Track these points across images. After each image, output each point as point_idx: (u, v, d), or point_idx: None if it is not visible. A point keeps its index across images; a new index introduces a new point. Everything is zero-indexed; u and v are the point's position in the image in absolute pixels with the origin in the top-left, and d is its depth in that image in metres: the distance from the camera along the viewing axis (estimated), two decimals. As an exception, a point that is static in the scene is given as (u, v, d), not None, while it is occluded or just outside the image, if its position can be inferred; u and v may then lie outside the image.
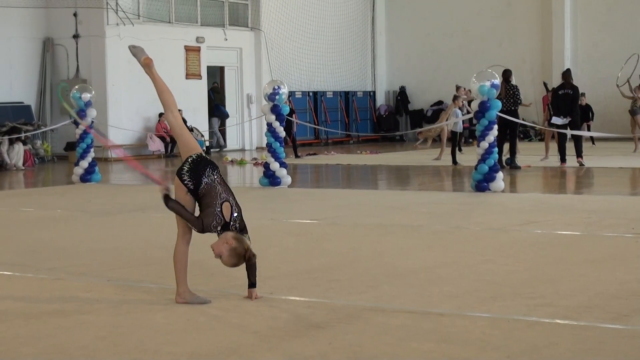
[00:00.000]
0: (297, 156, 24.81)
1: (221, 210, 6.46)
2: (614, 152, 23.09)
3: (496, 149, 14.66)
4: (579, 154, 18.95)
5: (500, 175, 14.46)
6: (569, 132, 18.92)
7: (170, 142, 27.11)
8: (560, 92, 19.14)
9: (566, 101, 18.90)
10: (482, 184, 14.36)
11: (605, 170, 18.26)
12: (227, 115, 29.58)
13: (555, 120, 18.76)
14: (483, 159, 14.40)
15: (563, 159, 18.99)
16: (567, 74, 19.50)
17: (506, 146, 19.02)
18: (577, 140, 19.17)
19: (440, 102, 33.13)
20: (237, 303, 6.56)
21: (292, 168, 18.89)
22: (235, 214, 6.51)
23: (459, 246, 9.09)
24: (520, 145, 22.90)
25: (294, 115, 24.56)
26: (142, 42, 26.21)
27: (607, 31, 30.98)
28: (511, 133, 19.01)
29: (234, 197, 6.59)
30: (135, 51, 7.13)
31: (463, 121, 22.01)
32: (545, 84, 24.74)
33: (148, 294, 6.97)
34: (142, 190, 16.99)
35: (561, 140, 19.15)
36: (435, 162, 21.60)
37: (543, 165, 19.87)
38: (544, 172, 18.65)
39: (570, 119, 18.84)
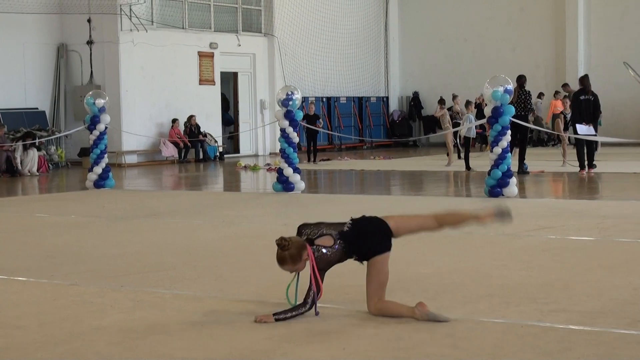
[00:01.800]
0: (314, 161, 24.92)
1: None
2: (628, 158, 23.01)
3: (509, 155, 14.64)
4: (590, 163, 18.56)
5: (513, 180, 14.44)
6: (589, 137, 18.65)
7: (183, 147, 27.17)
8: (581, 98, 18.73)
9: (588, 107, 18.54)
10: (496, 190, 14.34)
11: (619, 175, 18.20)
12: (231, 122, 29.80)
13: (580, 129, 18.48)
14: (496, 164, 14.38)
15: (582, 166, 18.67)
16: (586, 80, 19.00)
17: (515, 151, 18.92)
18: (591, 148, 18.80)
19: (450, 108, 33.07)
20: (251, 309, 6.58)
21: (305, 174, 18.91)
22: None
23: (472, 251, 9.09)
24: (534, 151, 22.85)
25: (318, 122, 24.80)
26: (156, 48, 26.41)
27: (621, 36, 30.91)
28: (521, 138, 18.93)
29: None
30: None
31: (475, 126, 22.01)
32: (627, 65, 24.32)
33: (162, 300, 6.99)
34: (155, 196, 17.04)
35: (580, 148, 18.84)
36: (447, 167, 21.58)
37: (556, 170, 19.82)
38: (558, 177, 18.61)
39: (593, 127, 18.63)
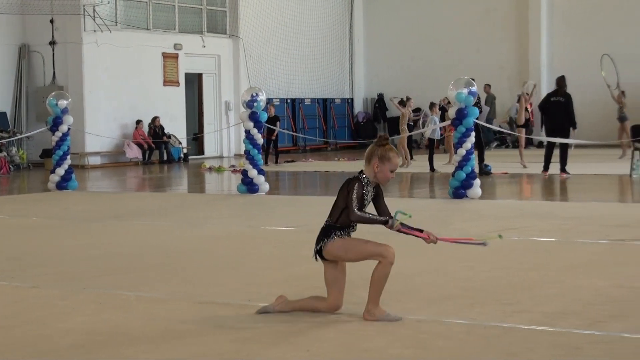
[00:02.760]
0: (275, 162, 24.92)
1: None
2: (590, 159, 23.22)
3: (473, 156, 14.72)
4: (562, 167, 18.41)
5: (477, 182, 14.53)
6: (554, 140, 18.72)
7: (147, 149, 27.06)
8: (552, 99, 18.72)
9: (558, 109, 18.48)
10: (460, 191, 14.42)
11: (581, 177, 18.35)
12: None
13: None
14: (460, 166, 14.46)
15: (546, 168, 18.64)
16: (562, 81, 18.85)
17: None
18: (564, 151, 18.60)
19: (418, 109, 33.19)
20: (216, 311, 6.57)
21: (270, 175, 18.90)
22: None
23: (436, 253, 9.12)
24: (496, 152, 22.99)
25: (277, 124, 24.69)
26: (120, 48, 26.26)
27: (583, 38, 31.18)
28: (477, 140, 18.90)
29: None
30: None
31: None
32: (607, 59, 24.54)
33: (126, 302, 6.95)
34: (119, 197, 16.97)
35: (548, 149, 18.87)
36: (406, 169, 21.62)
37: (520, 172, 19.96)
38: (521, 179, 18.74)
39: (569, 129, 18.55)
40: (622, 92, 25.12)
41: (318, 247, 6.30)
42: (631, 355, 5.17)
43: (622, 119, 24.50)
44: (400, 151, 22.22)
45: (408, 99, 24.17)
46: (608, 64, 25.91)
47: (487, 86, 30.17)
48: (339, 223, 6.22)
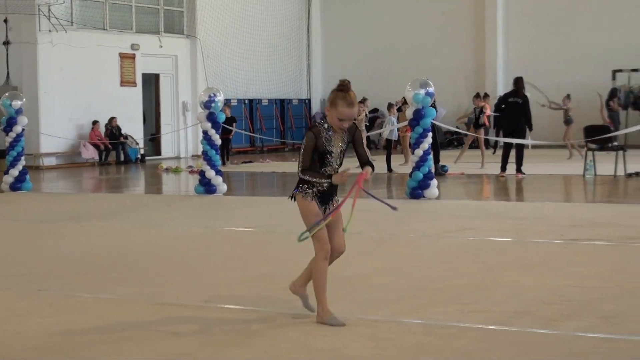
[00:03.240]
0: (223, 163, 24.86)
1: None
2: (543, 160, 23.44)
3: (431, 157, 14.79)
4: (518, 167, 18.54)
5: (434, 182, 14.60)
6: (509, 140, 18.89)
7: (104, 150, 26.86)
8: (510, 100, 18.82)
9: (516, 110, 18.56)
10: (417, 191, 14.48)
11: (535, 177, 18.51)
12: None
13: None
14: (417, 166, 14.53)
15: (503, 168, 18.74)
16: (520, 82, 18.93)
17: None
18: (520, 152, 18.69)
19: (376, 110, 33.34)
20: (173, 312, 6.54)
21: (227, 176, 18.85)
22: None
23: (394, 253, 9.17)
24: (453, 153, 23.11)
25: (233, 124, 24.70)
26: (76, 49, 26.05)
27: (539, 40, 31.47)
28: (433, 141, 18.96)
29: None
30: None
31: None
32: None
33: (83, 304, 6.90)
34: (75, 198, 16.83)
35: (506, 150, 18.91)
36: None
37: (477, 172, 20.09)
38: (477, 179, 18.86)
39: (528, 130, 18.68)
40: (567, 96, 25.42)
41: (292, 194, 6.21)
42: (585, 354, 5.23)
43: (567, 121, 24.76)
44: None
45: (364, 99, 24.21)
46: (532, 90, 26.32)
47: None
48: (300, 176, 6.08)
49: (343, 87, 5.94)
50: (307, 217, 6.05)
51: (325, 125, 5.98)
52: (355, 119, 6.02)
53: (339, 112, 5.88)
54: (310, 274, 6.13)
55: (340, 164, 6.08)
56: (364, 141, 6.37)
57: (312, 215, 6.03)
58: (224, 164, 24.01)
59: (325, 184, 6.01)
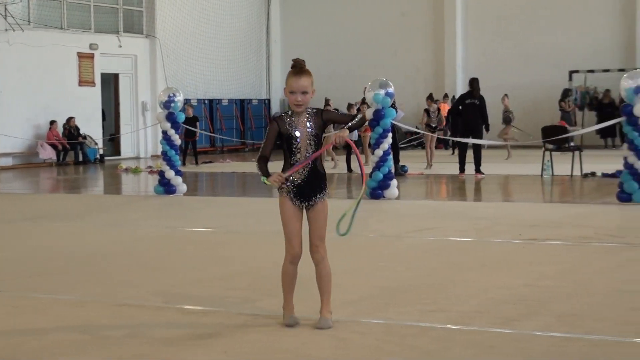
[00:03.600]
0: (195, 164, 24.81)
1: None
2: (502, 160, 23.58)
3: (391, 157, 14.83)
4: (477, 167, 18.63)
5: (394, 182, 14.65)
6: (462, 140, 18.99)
7: (62, 150, 26.64)
8: (467, 102, 18.91)
9: (473, 111, 18.67)
10: (377, 192, 14.52)
11: (494, 177, 18.62)
12: None
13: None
14: (377, 166, 14.57)
15: (462, 169, 18.85)
16: (475, 83, 19.03)
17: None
18: (478, 152, 18.77)
19: (335, 110, 33.40)
20: (132, 313, 6.51)
21: (187, 176, 18.77)
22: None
23: (354, 253, 9.18)
24: (412, 153, 23.20)
25: (197, 124, 24.67)
26: (33, 48, 25.80)
27: (497, 41, 31.71)
28: (392, 141, 19.00)
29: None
30: None
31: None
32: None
33: (41, 305, 6.85)
34: (32, 199, 16.69)
35: (462, 150, 19.04)
36: (333, 169, 21.72)
37: (437, 172, 20.19)
38: (437, 179, 18.95)
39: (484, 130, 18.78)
40: (506, 95, 25.68)
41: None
42: (542, 353, 5.27)
43: (506, 120, 24.95)
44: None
45: (327, 100, 24.31)
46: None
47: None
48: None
49: (293, 65, 5.87)
50: (281, 215, 5.96)
51: (289, 112, 5.89)
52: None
53: (289, 85, 5.80)
54: (283, 290, 6.02)
55: (315, 151, 5.85)
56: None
57: (284, 213, 5.92)
58: (183, 164, 24.00)
59: (299, 180, 5.87)
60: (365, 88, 15.10)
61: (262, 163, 5.86)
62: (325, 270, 5.99)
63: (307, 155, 5.83)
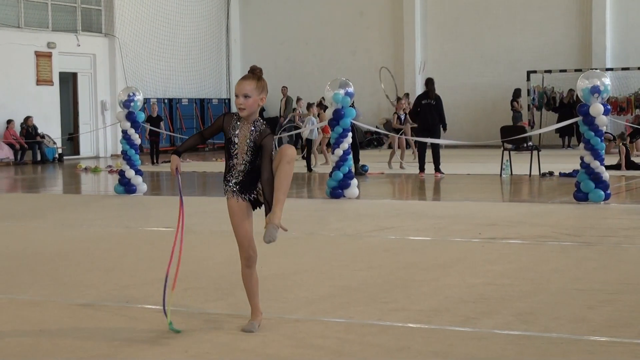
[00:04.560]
0: (157, 163, 24.80)
1: None
2: (462, 159, 23.73)
3: (351, 156, 14.85)
4: (437, 167, 18.73)
5: (354, 182, 14.67)
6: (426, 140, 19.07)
7: (20, 149, 26.39)
8: (423, 102, 18.98)
9: (430, 111, 18.72)
10: (337, 191, 14.54)
11: (454, 177, 18.72)
12: None
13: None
14: (337, 166, 14.58)
15: (422, 168, 18.92)
16: (430, 84, 19.13)
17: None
18: (437, 152, 18.86)
19: (293, 110, 33.37)
20: (92, 313, 6.46)
21: (147, 176, 18.67)
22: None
23: (314, 252, 9.18)
24: (372, 153, 23.26)
25: (161, 124, 24.74)
26: (-9, 46, 25.48)
27: (455, 41, 31.88)
28: (352, 141, 19.04)
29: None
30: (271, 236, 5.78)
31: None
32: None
33: (-2, 306, 6.78)
34: (5, 198, 16.52)
35: (421, 150, 19.13)
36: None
37: (397, 172, 20.25)
38: (397, 179, 19.01)
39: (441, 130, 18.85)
40: (406, 95, 25.83)
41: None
42: (501, 351, 5.30)
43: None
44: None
45: (299, 99, 24.40)
46: (386, 76, 26.73)
47: (285, 88, 30.53)
48: None
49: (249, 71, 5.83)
50: (230, 218, 5.91)
51: (239, 115, 5.84)
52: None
53: (236, 89, 5.77)
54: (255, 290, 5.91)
55: (250, 162, 5.75)
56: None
57: (232, 216, 5.87)
58: (154, 163, 24.02)
59: (239, 177, 5.79)
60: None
61: (190, 138, 6.05)
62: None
63: (244, 162, 5.76)
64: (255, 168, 5.78)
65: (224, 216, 6.38)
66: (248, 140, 5.76)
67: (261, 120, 5.83)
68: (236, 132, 5.80)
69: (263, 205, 5.83)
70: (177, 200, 6.14)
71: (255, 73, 5.79)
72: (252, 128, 5.77)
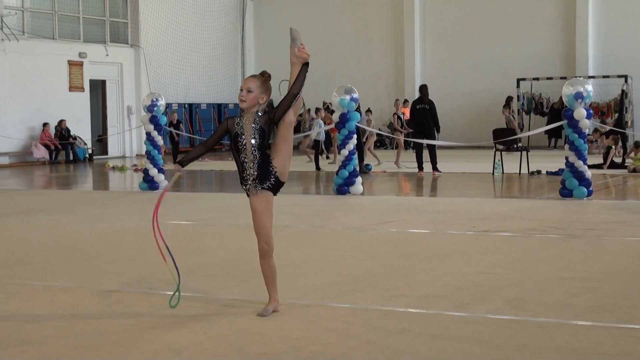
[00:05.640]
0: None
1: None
2: (458, 159, 23.68)
3: (356, 156, 14.83)
4: (434, 166, 18.64)
5: (359, 179, 14.66)
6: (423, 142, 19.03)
7: (54, 150, 26.44)
8: (418, 107, 18.88)
9: (424, 116, 18.61)
10: (343, 188, 14.52)
11: (450, 175, 18.69)
12: None
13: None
14: (343, 165, 14.57)
15: (420, 167, 18.86)
16: (423, 90, 19.07)
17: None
18: (433, 152, 18.75)
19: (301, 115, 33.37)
20: (118, 299, 6.46)
21: (169, 174, 18.67)
22: None
23: (322, 244, 9.18)
24: (375, 153, 23.20)
25: (180, 126, 24.84)
26: (27, 56, 25.58)
27: (452, 51, 31.82)
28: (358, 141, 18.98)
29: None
30: (294, 35, 6.07)
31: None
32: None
33: (33, 291, 6.78)
34: (26, 195, 16.54)
35: (418, 151, 19.10)
36: (309, 165, 21.71)
37: (398, 171, 20.22)
38: (398, 177, 18.99)
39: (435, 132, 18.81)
40: (368, 110, 25.72)
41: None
42: (493, 334, 5.29)
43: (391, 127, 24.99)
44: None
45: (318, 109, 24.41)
46: (284, 89, 26.59)
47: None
48: None
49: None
50: (270, 210, 5.83)
51: (241, 115, 5.85)
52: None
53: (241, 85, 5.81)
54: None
55: (258, 146, 5.71)
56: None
57: (252, 212, 5.81)
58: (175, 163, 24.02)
59: (253, 172, 5.75)
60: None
61: (196, 148, 6.08)
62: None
63: (252, 148, 5.72)
64: (264, 155, 5.74)
65: (239, 211, 6.39)
66: (253, 124, 5.75)
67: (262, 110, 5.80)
68: (241, 125, 5.78)
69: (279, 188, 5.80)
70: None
71: (263, 75, 5.81)
72: (254, 117, 5.78)
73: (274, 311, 5.83)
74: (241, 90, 5.81)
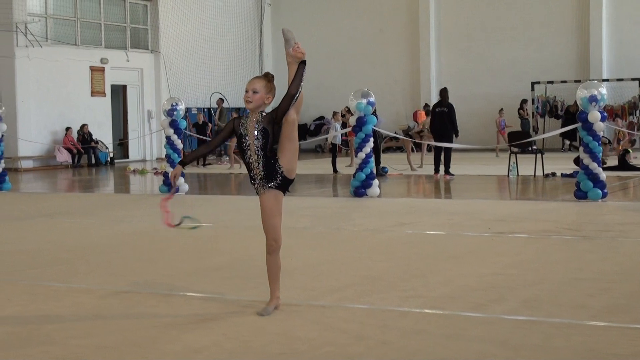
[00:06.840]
0: (204, 165, 25.04)
1: None
2: (473, 162, 23.61)
3: (372, 159, 14.81)
4: (447, 169, 18.56)
5: (375, 182, 14.63)
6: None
7: (77, 153, 26.56)
8: (437, 110, 18.87)
9: (442, 118, 18.62)
10: (360, 190, 14.50)
11: (465, 177, 18.64)
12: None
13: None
14: (360, 167, 14.55)
15: (437, 170, 18.82)
16: (443, 93, 19.07)
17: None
18: (448, 155, 18.70)
19: (322, 117, 33.39)
20: (139, 299, 6.47)
21: (190, 177, 18.72)
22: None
23: (339, 245, 9.16)
24: (392, 156, 23.19)
25: (208, 127, 25.05)
26: (50, 62, 25.72)
27: (466, 56, 31.76)
28: (374, 145, 18.91)
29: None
30: (287, 36, 6.19)
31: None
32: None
33: (57, 293, 6.80)
34: (50, 198, 16.61)
35: (436, 154, 19.01)
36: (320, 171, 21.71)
37: (414, 173, 20.18)
38: (414, 180, 18.95)
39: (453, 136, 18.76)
40: (348, 110, 25.63)
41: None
42: (508, 334, 5.26)
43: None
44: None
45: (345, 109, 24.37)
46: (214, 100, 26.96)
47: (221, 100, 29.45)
48: None
49: None
50: (278, 208, 5.89)
51: (247, 115, 5.86)
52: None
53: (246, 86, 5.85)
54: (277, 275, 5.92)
55: (262, 146, 5.72)
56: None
57: (261, 210, 5.87)
58: (198, 165, 24.30)
59: (260, 171, 5.76)
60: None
61: (200, 147, 6.18)
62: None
63: (256, 148, 5.73)
64: (269, 155, 5.74)
65: (256, 213, 6.38)
66: (256, 125, 5.75)
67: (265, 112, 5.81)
68: (245, 126, 5.79)
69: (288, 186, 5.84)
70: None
71: (266, 76, 5.84)
72: (259, 118, 5.78)
73: (275, 309, 5.85)
74: (247, 91, 5.82)
